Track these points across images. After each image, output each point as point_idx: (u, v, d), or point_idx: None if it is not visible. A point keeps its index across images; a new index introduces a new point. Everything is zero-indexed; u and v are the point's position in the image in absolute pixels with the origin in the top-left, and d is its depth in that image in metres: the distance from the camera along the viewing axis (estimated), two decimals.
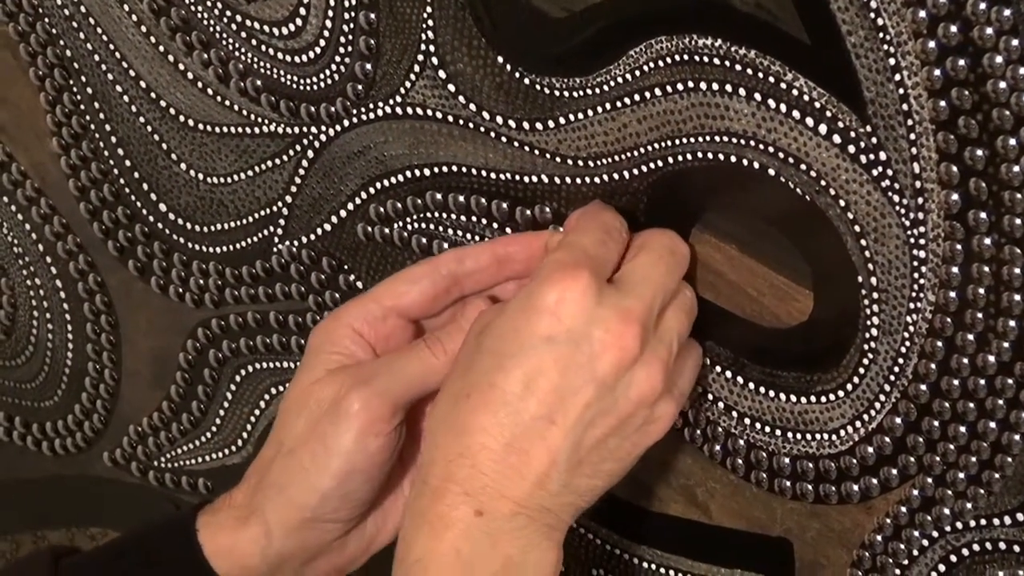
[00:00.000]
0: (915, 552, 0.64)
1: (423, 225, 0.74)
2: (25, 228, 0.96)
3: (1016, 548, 0.60)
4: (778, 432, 0.66)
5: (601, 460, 0.60)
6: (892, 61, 0.54)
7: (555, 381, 0.59)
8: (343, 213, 0.76)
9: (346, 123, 0.73)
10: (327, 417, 0.64)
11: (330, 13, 0.70)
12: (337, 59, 0.71)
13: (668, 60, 0.60)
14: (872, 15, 0.53)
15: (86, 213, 0.90)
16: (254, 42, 0.74)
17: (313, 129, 0.75)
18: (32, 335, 1.02)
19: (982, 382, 0.58)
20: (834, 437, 0.64)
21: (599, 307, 0.59)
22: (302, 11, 0.71)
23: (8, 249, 0.98)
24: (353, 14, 0.69)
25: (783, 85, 0.57)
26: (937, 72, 0.53)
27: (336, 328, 0.67)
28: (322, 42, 0.71)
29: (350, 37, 0.70)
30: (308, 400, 0.65)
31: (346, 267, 0.79)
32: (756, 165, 0.60)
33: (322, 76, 0.72)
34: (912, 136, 0.55)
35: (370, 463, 0.65)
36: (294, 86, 0.74)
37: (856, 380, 0.62)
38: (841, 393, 0.63)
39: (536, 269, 0.61)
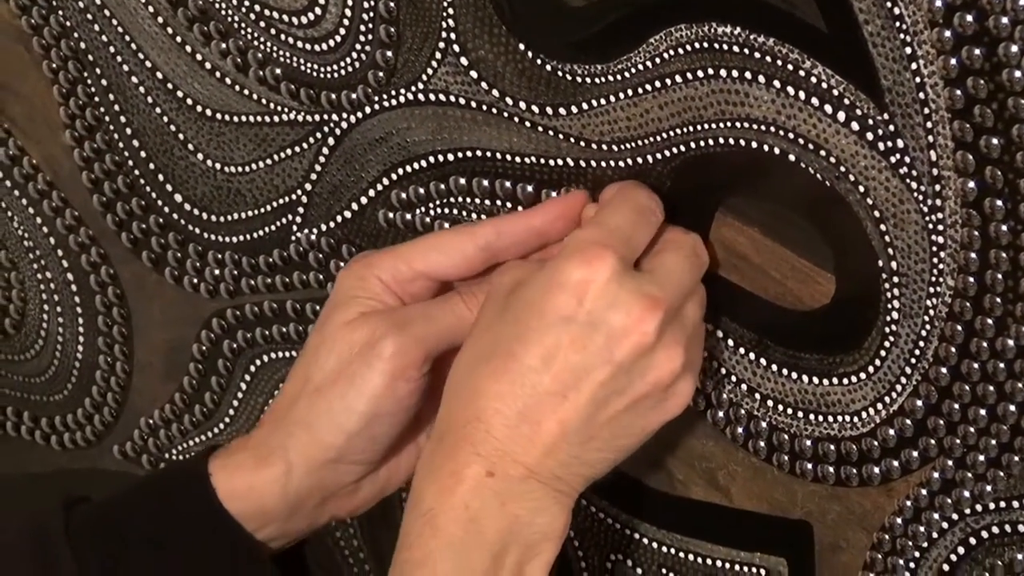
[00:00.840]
0: (935, 534, 0.64)
1: (446, 210, 0.74)
2: (36, 222, 0.96)
3: None
4: (800, 414, 0.67)
5: (613, 436, 0.61)
6: (908, 50, 0.54)
7: (571, 360, 0.60)
8: (364, 200, 0.77)
9: (367, 110, 0.73)
10: (360, 358, 0.65)
11: (349, 2, 0.70)
12: (357, 47, 0.71)
13: (688, 48, 0.60)
14: (888, 4, 0.54)
15: (99, 205, 0.90)
16: (273, 31, 0.74)
17: (334, 117, 0.75)
18: (42, 330, 1.01)
19: (1001, 365, 0.59)
20: (855, 419, 0.65)
21: (621, 290, 0.60)
22: (321, 0, 0.71)
23: (19, 243, 0.98)
24: (373, 2, 0.69)
25: (801, 73, 0.58)
26: (953, 61, 0.53)
27: (367, 276, 0.67)
28: (342, 31, 0.71)
29: (370, 25, 0.70)
30: (340, 340, 0.66)
31: None
32: (776, 151, 0.60)
33: (342, 64, 0.73)
34: (929, 124, 0.55)
35: (397, 407, 0.66)
36: (314, 74, 0.74)
37: (878, 362, 0.62)
38: (863, 375, 0.63)
39: (566, 240, 0.62)
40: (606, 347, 0.60)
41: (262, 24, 0.75)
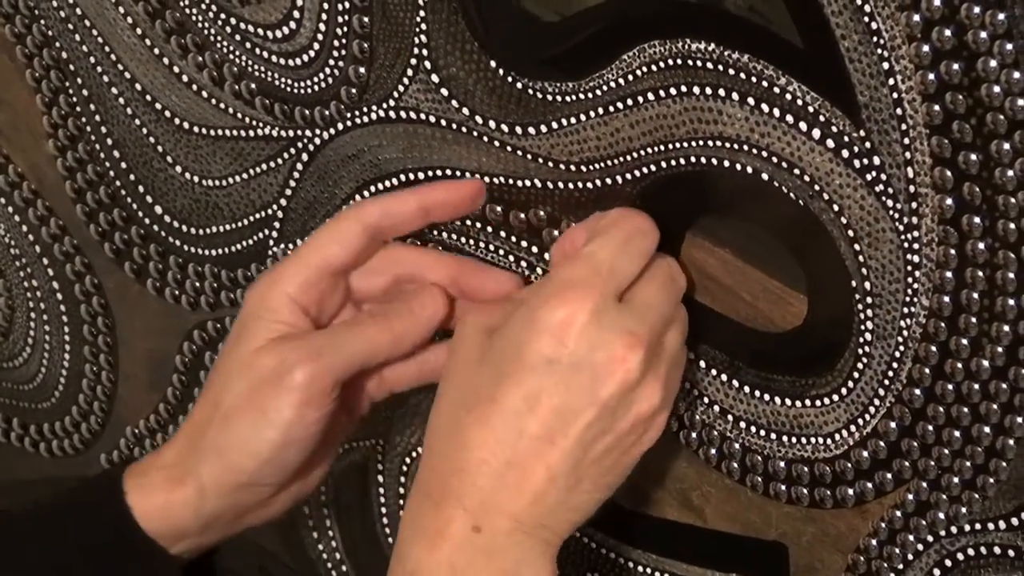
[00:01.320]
0: (910, 556, 0.64)
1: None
2: (22, 230, 0.96)
3: (1011, 552, 0.60)
4: (773, 436, 0.66)
5: (599, 475, 0.60)
6: (886, 65, 0.54)
7: (556, 402, 0.59)
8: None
9: (340, 127, 0.73)
10: (269, 388, 0.65)
11: (324, 16, 0.70)
12: (331, 63, 0.71)
13: (661, 64, 0.60)
14: (866, 19, 0.53)
15: (83, 215, 0.90)
16: (248, 45, 0.74)
17: (307, 132, 0.75)
18: (30, 336, 1.01)
19: (976, 386, 0.58)
20: (829, 441, 0.64)
21: (603, 330, 0.59)
22: (296, 14, 0.71)
23: (5, 251, 0.98)
24: (347, 17, 0.69)
25: (776, 89, 0.57)
26: (931, 76, 0.53)
27: (272, 295, 0.67)
28: (316, 45, 0.71)
29: (344, 41, 0.70)
30: (249, 367, 0.66)
31: None
32: (749, 170, 0.60)
33: (316, 79, 0.72)
34: (906, 140, 0.55)
35: (307, 432, 0.66)
36: (288, 89, 0.74)
37: (850, 384, 0.62)
38: (836, 397, 0.63)
39: (547, 277, 0.61)
40: (591, 387, 0.59)
41: (237, 38, 0.74)
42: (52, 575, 0.68)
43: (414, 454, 0.83)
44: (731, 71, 0.58)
